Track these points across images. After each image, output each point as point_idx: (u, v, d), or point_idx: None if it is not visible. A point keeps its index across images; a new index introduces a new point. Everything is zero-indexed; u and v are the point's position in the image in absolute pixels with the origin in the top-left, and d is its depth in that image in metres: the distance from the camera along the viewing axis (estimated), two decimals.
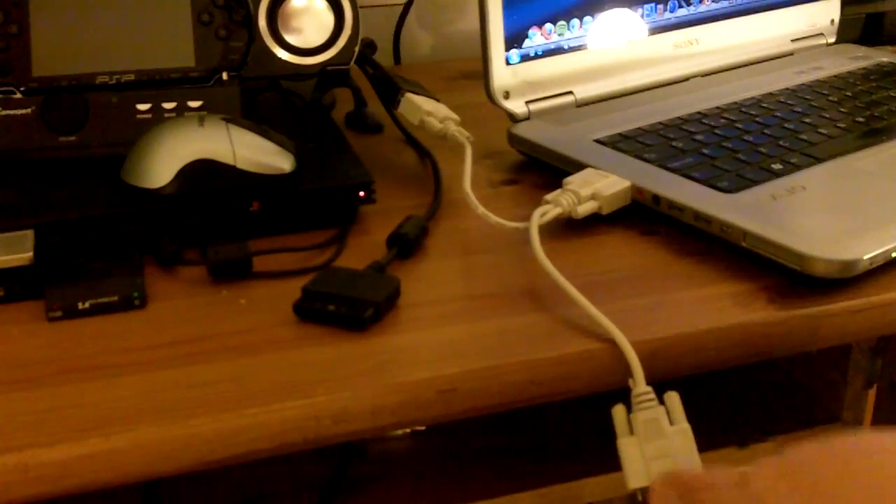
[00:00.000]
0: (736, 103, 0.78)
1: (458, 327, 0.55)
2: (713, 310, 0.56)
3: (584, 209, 0.63)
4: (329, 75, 0.74)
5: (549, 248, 0.60)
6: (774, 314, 0.56)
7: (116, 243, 0.60)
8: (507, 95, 0.75)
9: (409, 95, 0.74)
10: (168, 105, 0.68)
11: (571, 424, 0.73)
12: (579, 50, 0.79)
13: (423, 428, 0.71)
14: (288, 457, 0.49)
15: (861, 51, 0.92)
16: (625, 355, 0.52)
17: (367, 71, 0.80)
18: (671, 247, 0.63)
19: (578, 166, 0.67)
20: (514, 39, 0.75)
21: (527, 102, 0.76)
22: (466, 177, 0.65)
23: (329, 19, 0.72)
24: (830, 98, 0.79)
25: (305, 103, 0.77)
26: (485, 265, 0.62)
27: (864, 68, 0.87)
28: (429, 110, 0.72)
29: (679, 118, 0.75)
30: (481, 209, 0.63)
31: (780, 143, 0.70)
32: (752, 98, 0.80)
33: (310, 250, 0.62)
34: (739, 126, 0.74)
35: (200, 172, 0.61)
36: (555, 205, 0.63)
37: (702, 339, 0.55)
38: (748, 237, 0.59)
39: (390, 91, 0.76)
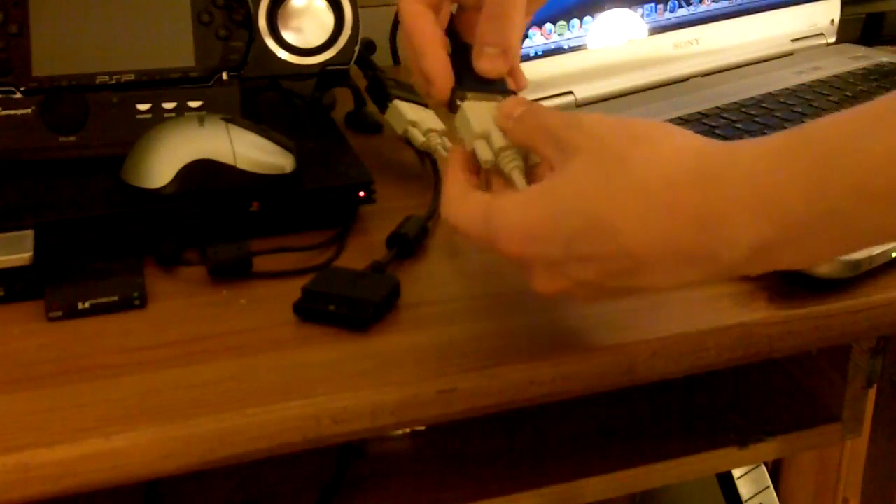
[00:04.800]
0: (736, 103, 0.78)
1: (458, 327, 0.55)
2: (713, 310, 0.56)
3: None
4: (329, 75, 0.74)
5: None
6: (774, 314, 0.56)
7: (116, 243, 0.60)
8: None
9: (396, 103, 0.73)
10: (168, 105, 0.68)
11: (571, 424, 0.73)
12: (579, 50, 0.79)
13: (423, 428, 0.71)
14: (288, 457, 0.49)
15: (861, 51, 0.92)
16: None
17: (368, 73, 0.80)
18: None
19: None
20: None
21: None
22: None
23: (329, 19, 0.72)
24: (830, 98, 0.79)
25: (305, 103, 0.77)
26: (485, 265, 0.62)
27: (864, 68, 0.87)
28: (413, 120, 0.72)
29: (679, 118, 0.75)
30: None
31: None
32: (752, 98, 0.79)
33: (310, 250, 0.62)
34: (739, 126, 0.74)
35: (200, 172, 0.61)
36: None
37: (702, 339, 0.55)
38: None
39: (381, 96, 0.76)
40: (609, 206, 0.45)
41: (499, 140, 0.52)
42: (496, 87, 0.56)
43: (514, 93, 0.56)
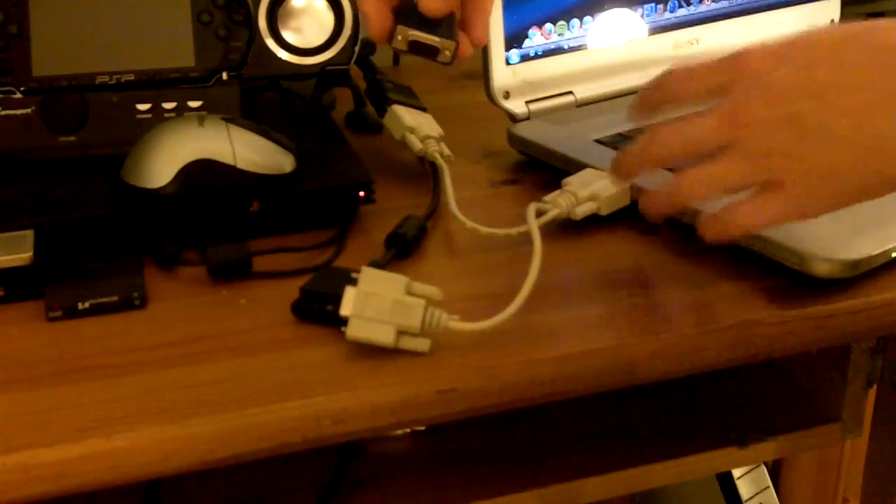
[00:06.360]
0: None
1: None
2: (713, 310, 0.56)
3: (583, 210, 0.63)
4: (329, 75, 0.74)
5: (546, 250, 0.60)
6: (774, 314, 0.56)
7: (116, 243, 0.60)
8: (507, 95, 0.75)
9: (394, 108, 0.73)
10: (168, 105, 0.68)
11: (571, 424, 0.73)
12: (579, 50, 0.79)
13: (423, 428, 0.71)
14: (288, 457, 0.50)
15: None
16: None
17: (367, 76, 0.80)
18: (671, 247, 0.63)
19: (578, 166, 0.67)
20: (514, 39, 0.75)
21: (527, 102, 0.76)
22: (450, 198, 0.65)
23: (329, 19, 0.72)
24: None
25: (305, 103, 0.77)
26: (483, 265, 0.62)
27: None
28: (411, 126, 0.72)
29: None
30: (470, 224, 0.63)
31: None
32: None
33: (310, 250, 0.62)
34: None
35: (200, 172, 0.61)
36: (553, 206, 0.63)
37: (702, 339, 0.55)
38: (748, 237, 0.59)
39: (380, 99, 0.76)
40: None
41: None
42: (442, 31, 0.59)
43: (457, 41, 0.59)
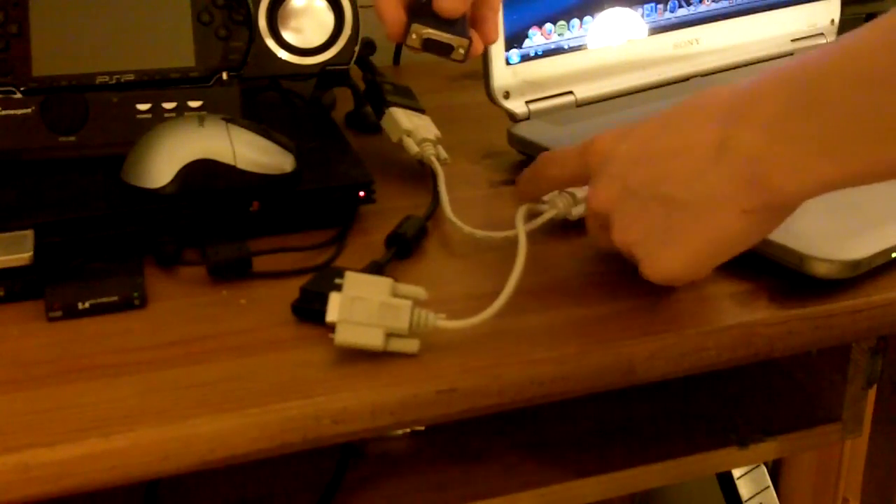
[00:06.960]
0: None
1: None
2: (713, 310, 0.56)
3: (580, 211, 0.63)
4: (329, 75, 0.74)
5: (546, 250, 0.60)
6: (774, 314, 0.56)
7: (116, 243, 0.60)
8: (507, 95, 0.75)
9: (392, 111, 0.73)
10: (168, 105, 0.68)
11: (571, 424, 0.73)
12: (579, 50, 0.79)
13: (422, 428, 0.71)
14: (288, 457, 0.49)
15: None
16: None
17: (366, 77, 0.80)
18: None
19: None
20: (515, 39, 0.75)
21: (527, 102, 0.76)
22: (445, 202, 0.65)
23: (329, 19, 0.72)
24: None
25: (305, 103, 0.77)
26: (482, 265, 0.62)
27: None
28: (408, 129, 0.72)
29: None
30: (467, 228, 0.63)
31: None
32: None
33: (310, 250, 0.62)
34: None
35: (200, 172, 0.61)
36: (551, 206, 0.63)
37: (702, 339, 0.55)
38: None
39: (378, 101, 0.76)
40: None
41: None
42: (455, 29, 0.60)
43: (470, 39, 0.60)
